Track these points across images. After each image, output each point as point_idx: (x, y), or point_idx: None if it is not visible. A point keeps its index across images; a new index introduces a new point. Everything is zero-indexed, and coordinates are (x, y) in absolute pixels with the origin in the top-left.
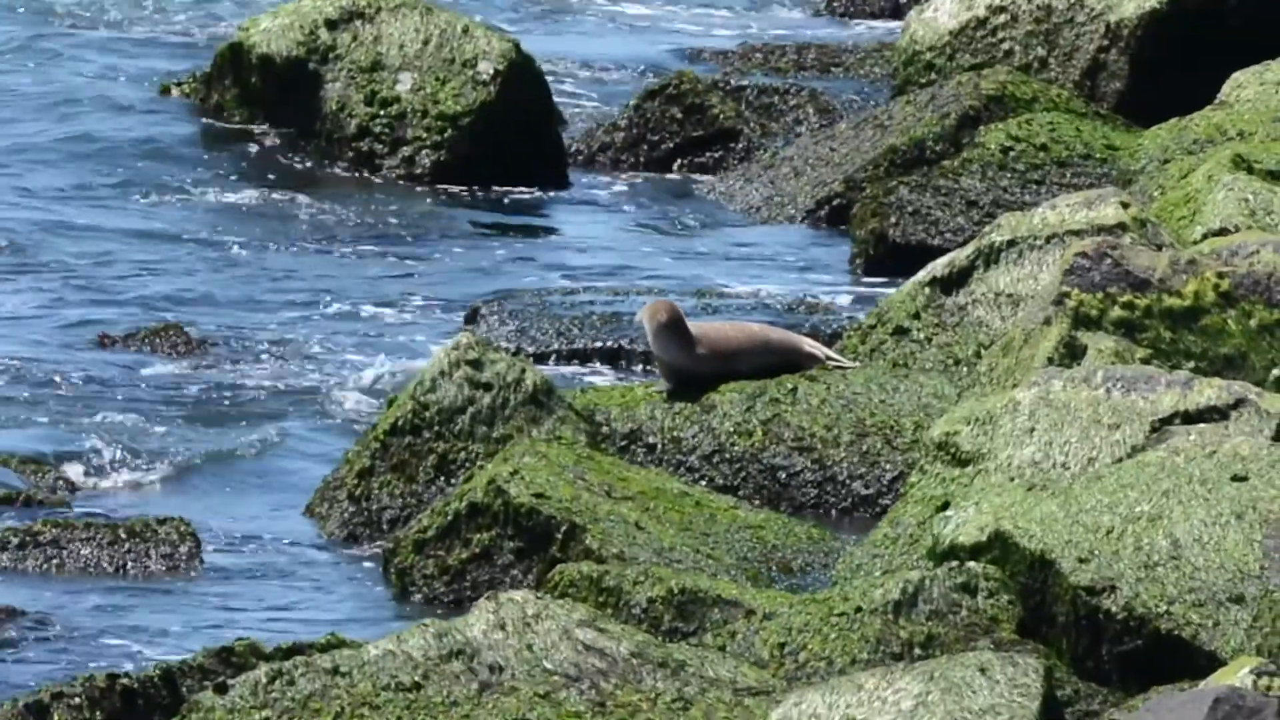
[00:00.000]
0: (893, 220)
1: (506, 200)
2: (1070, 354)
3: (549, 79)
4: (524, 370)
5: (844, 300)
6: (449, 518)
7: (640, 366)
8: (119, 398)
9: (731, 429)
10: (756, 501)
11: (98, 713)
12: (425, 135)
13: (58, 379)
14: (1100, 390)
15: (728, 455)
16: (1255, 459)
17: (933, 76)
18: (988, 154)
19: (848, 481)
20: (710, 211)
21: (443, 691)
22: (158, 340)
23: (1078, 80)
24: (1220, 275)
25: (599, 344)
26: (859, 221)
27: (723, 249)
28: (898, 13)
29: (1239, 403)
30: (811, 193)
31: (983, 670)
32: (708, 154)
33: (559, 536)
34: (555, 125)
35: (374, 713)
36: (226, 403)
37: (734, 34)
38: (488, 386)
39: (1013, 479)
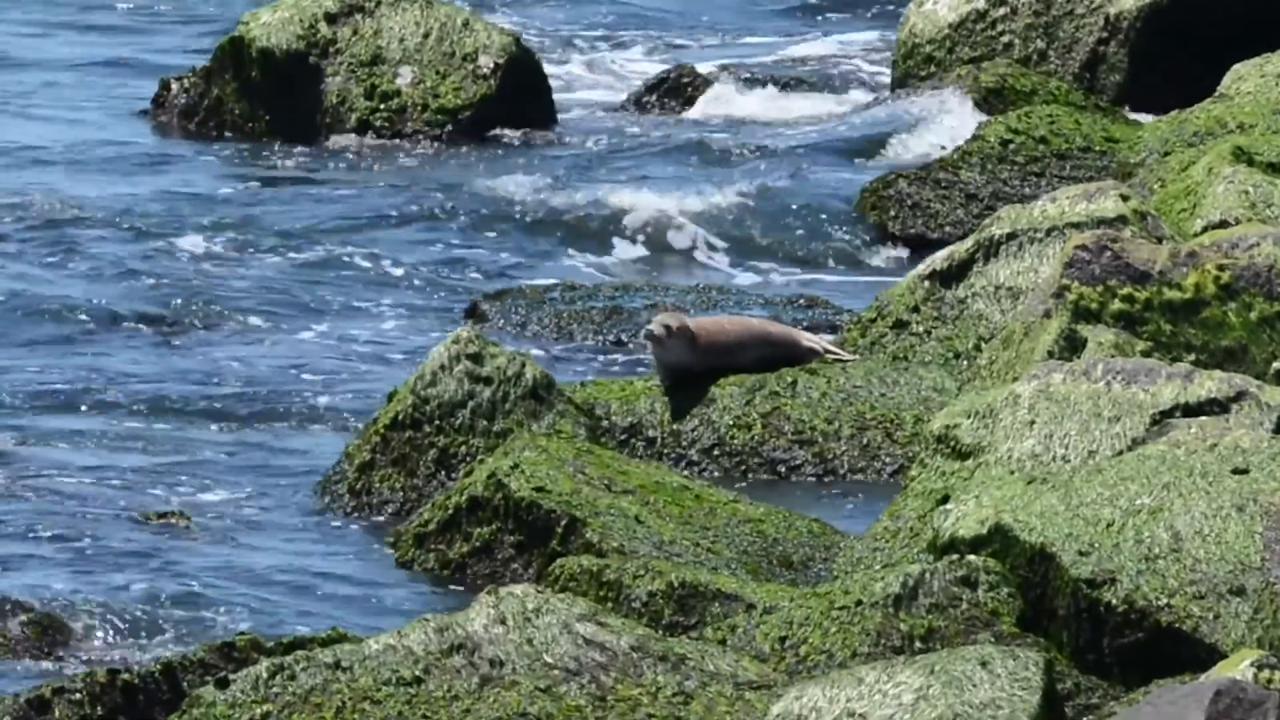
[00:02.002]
0: (892, 213)
1: (504, 191)
2: (1070, 347)
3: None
4: (524, 364)
5: (844, 291)
6: (449, 511)
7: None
8: (117, 389)
9: (731, 422)
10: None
11: (99, 708)
12: (425, 129)
13: (53, 371)
14: (1100, 383)
15: (728, 448)
16: (1256, 451)
17: (932, 69)
18: (987, 147)
19: (848, 475)
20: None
21: (443, 686)
22: (155, 331)
23: (1077, 73)
24: (1220, 268)
25: (598, 339)
26: (859, 214)
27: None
28: None
29: (1239, 395)
30: None
31: (983, 664)
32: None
33: (559, 530)
34: (555, 118)
35: (375, 707)
36: (225, 395)
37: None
38: (488, 380)
39: (1013, 472)
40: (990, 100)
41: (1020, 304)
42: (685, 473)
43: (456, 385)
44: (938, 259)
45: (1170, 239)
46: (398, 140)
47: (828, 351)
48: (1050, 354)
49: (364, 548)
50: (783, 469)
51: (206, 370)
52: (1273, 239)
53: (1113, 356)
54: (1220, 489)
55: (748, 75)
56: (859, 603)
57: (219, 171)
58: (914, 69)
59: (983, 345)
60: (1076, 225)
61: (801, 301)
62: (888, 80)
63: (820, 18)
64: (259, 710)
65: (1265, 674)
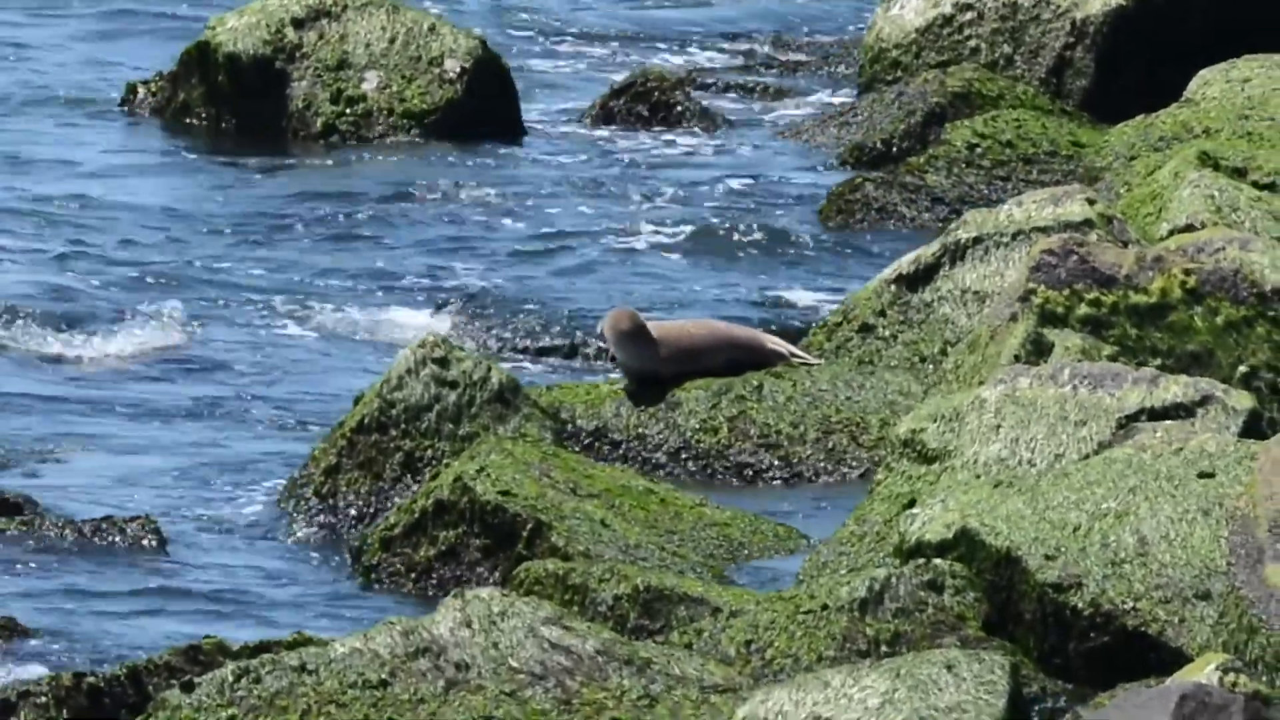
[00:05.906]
0: (858, 217)
1: (469, 197)
2: (1037, 351)
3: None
4: (490, 368)
5: (809, 296)
6: (415, 515)
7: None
8: (88, 392)
9: (697, 426)
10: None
11: (64, 711)
12: (391, 133)
13: (28, 369)
14: (1067, 387)
15: (693, 452)
16: (1222, 455)
17: (899, 74)
18: (954, 151)
19: (813, 478)
20: (681, 209)
21: (409, 689)
22: (125, 335)
23: (1044, 77)
24: (1187, 272)
25: (562, 341)
26: (825, 218)
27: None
28: None
29: (1205, 399)
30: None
31: (949, 667)
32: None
33: (525, 534)
34: (521, 122)
35: (340, 710)
36: (192, 397)
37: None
38: (454, 384)
39: (979, 476)
40: (957, 105)
41: (986, 308)
42: (651, 476)
43: (423, 389)
44: (904, 263)
45: (1136, 243)
46: (364, 144)
47: (793, 355)
48: (1016, 358)
49: (330, 551)
50: (749, 473)
51: (170, 372)
52: (1238, 243)
53: (1079, 360)
54: (1186, 493)
55: (712, 80)
56: (825, 607)
57: (183, 176)
58: (880, 73)
59: (949, 349)
60: (1043, 229)
61: (766, 304)
62: (853, 85)
63: (784, 21)
64: (224, 714)
65: (1230, 678)
